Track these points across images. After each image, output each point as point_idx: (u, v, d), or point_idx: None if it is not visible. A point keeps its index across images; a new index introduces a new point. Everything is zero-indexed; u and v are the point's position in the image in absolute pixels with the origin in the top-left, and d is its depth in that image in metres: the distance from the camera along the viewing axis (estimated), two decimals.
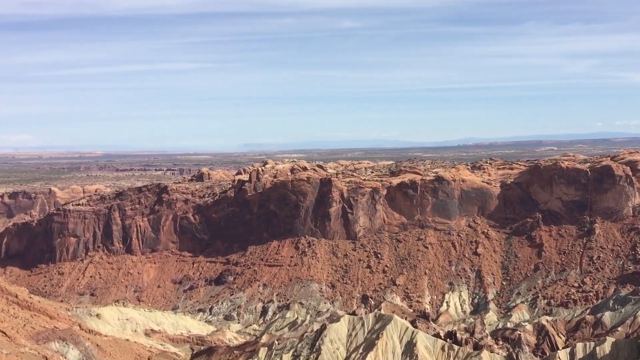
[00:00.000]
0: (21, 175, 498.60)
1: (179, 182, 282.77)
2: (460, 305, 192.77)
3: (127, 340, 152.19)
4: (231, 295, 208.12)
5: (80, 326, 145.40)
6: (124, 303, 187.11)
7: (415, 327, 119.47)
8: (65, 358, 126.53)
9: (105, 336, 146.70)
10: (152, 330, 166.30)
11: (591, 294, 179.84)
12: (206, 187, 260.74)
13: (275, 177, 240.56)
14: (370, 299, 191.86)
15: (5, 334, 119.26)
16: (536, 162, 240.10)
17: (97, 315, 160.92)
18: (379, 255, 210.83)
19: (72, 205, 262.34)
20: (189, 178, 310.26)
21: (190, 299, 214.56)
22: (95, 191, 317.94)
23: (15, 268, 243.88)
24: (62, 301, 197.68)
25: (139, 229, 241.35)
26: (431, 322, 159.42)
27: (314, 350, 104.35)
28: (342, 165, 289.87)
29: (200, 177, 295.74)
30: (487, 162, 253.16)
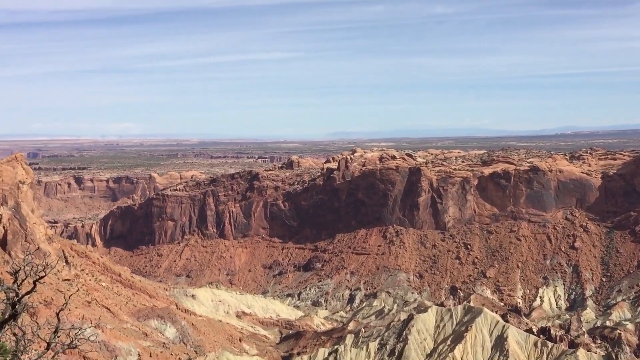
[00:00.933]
0: (124, 162, 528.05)
1: (270, 170, 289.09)
2: (555, 300, 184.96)
3: (220, 321, 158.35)
4: (319, 281, 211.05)
5: (177, 305, 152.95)
6: (217, 285, 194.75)
7: (507, 321, 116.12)
8: (163, 335, 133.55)
9: (200, 316, 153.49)
10: (243, 312, 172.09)
11: None
12: (296, 174, 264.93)
13: (363, 165, 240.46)
14: (459, 290, 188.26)
15: (110, 310, 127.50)
16: None
17: (192, 296, 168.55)
18: (468, 246, 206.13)
19: (170, 190, 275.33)
20: (279, 165, 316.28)
21: (279, 284, 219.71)
22: (191, 177, 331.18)
23: (119, 249, 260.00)
24: (160, 281, 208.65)
25: (231, 214, 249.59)
26: (523, 317, 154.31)
27: (401, 339, 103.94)
28: (431, 154, 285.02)
29: (290, 165, 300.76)
30: (587, 152, 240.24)
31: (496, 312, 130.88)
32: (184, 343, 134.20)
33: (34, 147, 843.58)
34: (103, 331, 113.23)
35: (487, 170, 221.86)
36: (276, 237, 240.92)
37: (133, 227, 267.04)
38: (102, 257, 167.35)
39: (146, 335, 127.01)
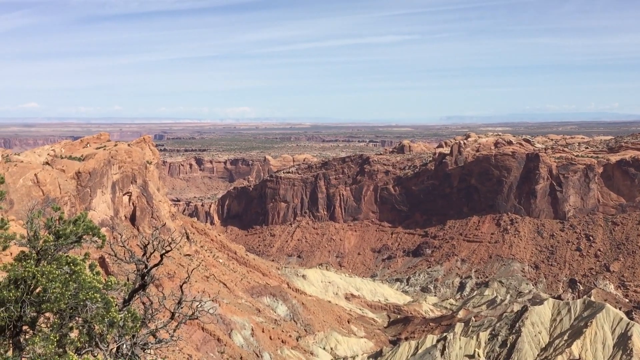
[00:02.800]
0: (240, 144, 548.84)
1: (381, 154, 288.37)
2: None
3: (329, 301, 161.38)
4: (428, 267, 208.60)
5: (288, 284, 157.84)
6: (326, 267, 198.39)
7: (631, 318, 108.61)
8: (275, 312, 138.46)
9: (310, 296, 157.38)
10: (351, 294, 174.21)
11: None
12: (407, 159, 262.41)
13: (477, 150, 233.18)
14: (578, 283, 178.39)
15: (226, 285, 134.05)
16: None
17: (303, 276, 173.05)
18: (590, 237, 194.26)
19: (283, 172, 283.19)
20: (390, 150, 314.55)
21: (388, 268, 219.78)
22: (304, 160, 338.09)
23: (235, 227, 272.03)
24: (273, 260, 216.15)
25: (341, 197, 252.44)
26: None
27: (514, 331, 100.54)
28: (551, 139, 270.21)
29: (401, 149, 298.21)
30: None
31: (620, 309, 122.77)
32: (294, 321, 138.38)
33: (160, 129, 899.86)
34: (220, 305, 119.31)
35: (614, 158, 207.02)
36: (386, 221, 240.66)
37: (248, 207, 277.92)
38: (219, 235, 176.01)
39: (259, 311, 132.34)
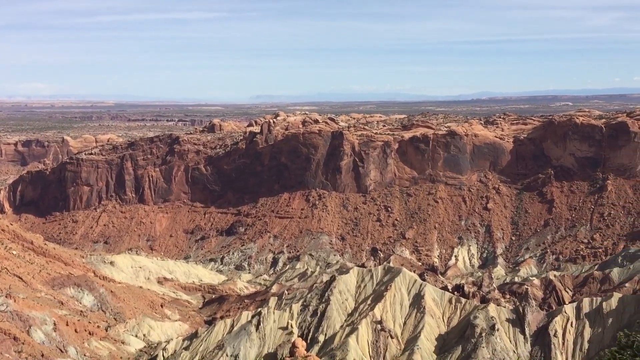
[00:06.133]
0: (34, 124, 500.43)
1: (191, 133, 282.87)
2: (469, 259, 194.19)
3: (141, 287, 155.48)
4: (242, 245, 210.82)
5: (94, 273, 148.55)
6: (137, 251, 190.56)
7: (424, 280, 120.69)
8: (80, 303, 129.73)
9: (119, 283, 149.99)
10: (164, 278, 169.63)
11: (600, 250, 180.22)
12: (217, 138, 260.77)
13: (286, 129, 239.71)
14: (379, 251, 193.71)
15: (22, 279, 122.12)
16: (550, 117, 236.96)
17: (111, 263, 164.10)
18: (389, 208, 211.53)
19: (85, 154, 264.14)
20: (201, 129, 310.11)
21: (201, 249, 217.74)
22: (108, 141, 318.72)
23: (30, 215, 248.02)
24: (76, 248, 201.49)
25: (151, 179, 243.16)
26: (439, 276, 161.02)
27: (323, 300, 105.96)
28: (354, 118, 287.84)
29: (211, 129, 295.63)
30: (500, 117, 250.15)
31: (414, 272, 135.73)
32: (102, 311, 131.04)
33: None
34: (15, 301, 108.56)
35: (407, 135, 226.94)
36: (198, 201, 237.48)
37: (45, 193, 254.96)
38: (11, 225, 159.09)
39: (62, 303, 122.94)
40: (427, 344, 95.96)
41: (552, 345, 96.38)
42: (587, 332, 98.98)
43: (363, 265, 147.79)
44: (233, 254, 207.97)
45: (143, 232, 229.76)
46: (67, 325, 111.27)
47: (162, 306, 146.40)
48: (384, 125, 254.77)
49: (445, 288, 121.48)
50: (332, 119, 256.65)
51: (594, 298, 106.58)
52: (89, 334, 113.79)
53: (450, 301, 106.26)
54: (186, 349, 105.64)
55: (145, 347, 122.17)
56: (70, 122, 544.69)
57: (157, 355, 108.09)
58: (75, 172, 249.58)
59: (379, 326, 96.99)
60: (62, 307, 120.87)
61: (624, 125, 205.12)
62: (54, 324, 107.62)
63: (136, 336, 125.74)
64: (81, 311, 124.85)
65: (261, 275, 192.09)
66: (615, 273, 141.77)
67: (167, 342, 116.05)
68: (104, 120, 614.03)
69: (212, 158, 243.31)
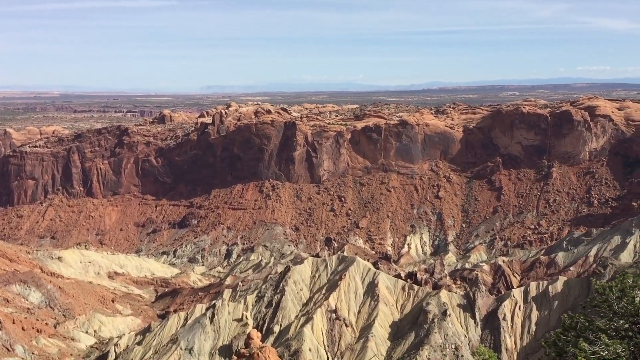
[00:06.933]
0: None
1: (140, 125, 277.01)
2: (421, 247, 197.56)
3: (90, 282, 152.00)
4: (195, 238, 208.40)
5: (41, 269, 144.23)
6: (85, 246, 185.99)
7: (377, 268, 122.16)
8: (27, 300, 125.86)
9: (68, 279, 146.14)
10: (115, 272, 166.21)
11: (546, 235, 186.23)
12: (168, 129, 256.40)
13: (238, 120, 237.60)
14: (333, 241, 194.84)
15: None
16: (498, 106, 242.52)
17: (59, 258, 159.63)
18: (342, 198, 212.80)
19: (29, 147, 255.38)
20: (151, 120, 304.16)
21: (153, 242, 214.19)
22: (53, 133, 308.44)
23: None
24: (22, 244, 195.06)
25: (99, 171, 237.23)
26: (393, 264, 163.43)
27: (278, 291, 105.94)
28: (306, 108, 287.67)
29: (161, 120, 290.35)
30: (450, 107, 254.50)
31: (368, 260, 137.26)
32: (51, 307, 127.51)
33: None
34: None
35: (360, 125, 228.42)
36: (149, 194, 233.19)
37: None
38: None
39: (8, 301, 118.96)
40: (381, 331, 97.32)
41: (502, 329, 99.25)
42: (535, 315, 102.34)
43: (317, 255, 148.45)
44: (186, 246, 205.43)
45: (92, 226, 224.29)
46: (13, 323, 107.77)
47: (113, 301, 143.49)
48: (337, 116, 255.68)
49: (398, 276, 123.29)
50: (284, 110, 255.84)
51: (541, 282, 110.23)
52: (37, 331, 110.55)
53: (403, 289, 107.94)
54: (139, 343, 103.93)
55: (96, 343, 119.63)
56: (13, 114, 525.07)
57: (108, 351, 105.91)
58: (19, 165, 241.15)
59: (333, 315, 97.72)
60: (8, 305, 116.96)
61: (568, 114, 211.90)
62: (0, 323, 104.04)
63: (86, 332, 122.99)
64: (28, 308, 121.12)
65: (215, 267, 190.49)
66: (560, 257, 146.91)
67: (119, 337, 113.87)
68: (48, 111, 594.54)
69: (162, 150, 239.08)
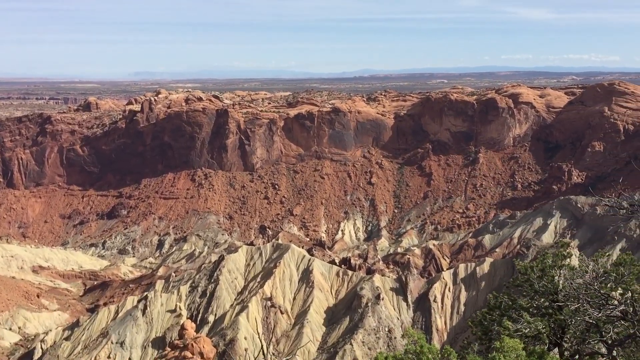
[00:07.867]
0: None
1: (64, 112, 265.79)
2: (355, 232, 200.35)
3: (14, 277, 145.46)
4: (125, 229, 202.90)
5: None
6: (7, 239, 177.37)
7: (312, 255, 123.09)
8: None
9: None
10: (40, 267, 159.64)
11: (474, 218, 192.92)
12: (94, 117, 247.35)
13: (169, 107, 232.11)
14: (268, 229, 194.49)
15: None
16: (427, 94, 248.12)
17: None
18: (276, 186, 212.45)
19: None
20: (75, 108, 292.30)
21: (80, 234, 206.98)
22: None
23: None
24: None
25: (20, 161, 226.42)
26: (327, 250, 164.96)
27: (212, 280, 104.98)
28: (238, 95, 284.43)
29: (87, 107, 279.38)
30: (382, 94, 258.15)
31: (303, 247, 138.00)
32: None
33: None
34: None
35: (293, 112, 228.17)
36: (75, 184, 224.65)
37: None
38: None
39: None
40: (316, 317, 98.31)
41: (432, 310, 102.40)
42: (463, 296, 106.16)
43: (252, 244, 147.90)
44: (115, 237, 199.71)
45: (14, 219, 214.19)
46: None
47: (38, 296, 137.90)
48: (269, 103, 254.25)
49: (332, 262, 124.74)
50: (216, 97, 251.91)
51: (469, 264, 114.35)
52: None
53: (337, 274, 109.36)
54: (67, 339, 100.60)
55: (21, 340, 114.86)
56: None
57: (34, 348, 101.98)
58: None
59: (269, 303, 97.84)
60: None
61: (493, 102, 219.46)
62: None
63: (10, 329, 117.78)
64: None
65: (147, 258, 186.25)
66: (487, 239, 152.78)
67: (46, 333, 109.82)
68: None
69: (89, 138, 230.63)
